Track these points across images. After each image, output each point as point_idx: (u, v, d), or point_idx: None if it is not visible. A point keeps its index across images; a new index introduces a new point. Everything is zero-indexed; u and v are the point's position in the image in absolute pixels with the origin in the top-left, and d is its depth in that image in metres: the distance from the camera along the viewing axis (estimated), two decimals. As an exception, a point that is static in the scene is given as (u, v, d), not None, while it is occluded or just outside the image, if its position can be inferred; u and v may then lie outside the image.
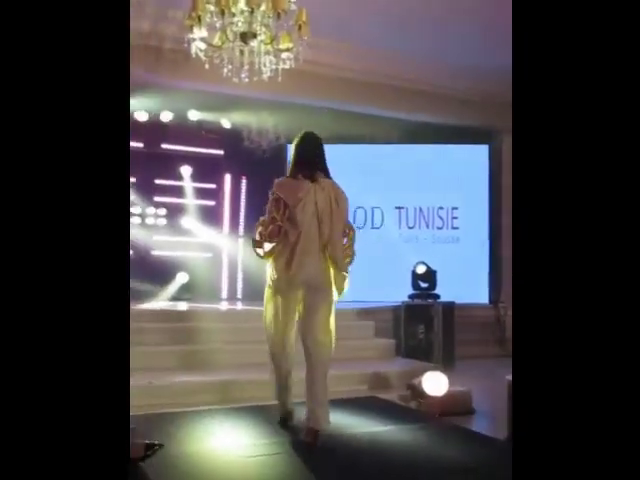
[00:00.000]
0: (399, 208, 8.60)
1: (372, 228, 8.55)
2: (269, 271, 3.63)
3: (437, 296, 6.95)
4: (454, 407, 4.45)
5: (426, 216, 8.58)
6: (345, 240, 3.68)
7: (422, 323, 6.75)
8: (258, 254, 3.65)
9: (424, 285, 7.11)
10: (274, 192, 3.57)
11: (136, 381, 4.55)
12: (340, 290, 3.63)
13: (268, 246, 3.57)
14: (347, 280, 3.66)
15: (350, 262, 3.71)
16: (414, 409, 4.51)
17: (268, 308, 3.66)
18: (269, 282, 3.63)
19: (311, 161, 3.63)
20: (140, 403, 4.26)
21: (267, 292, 3.67)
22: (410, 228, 8.59)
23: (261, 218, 3.65)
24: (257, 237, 3.63)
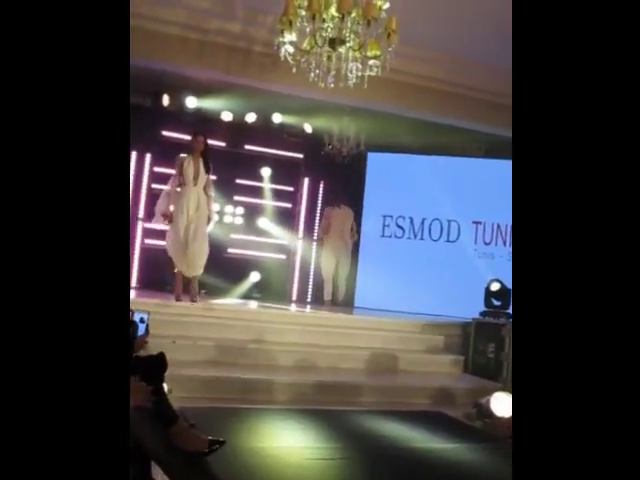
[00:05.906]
0: (476, 223, 8.45)
1: (447, 241, 8.44)
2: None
3: (510, 315, 6.76)
4: (520, 431, 4.32)
5: (504, 233, 8.38)
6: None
7: (493, 342, 6.57)
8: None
9: (497, 303, 6.93)
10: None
11: (204, 374, 4.65)
12: None
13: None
14: None
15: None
16: (479, 429, 4.39)
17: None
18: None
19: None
20: (208, 396, 4.35)
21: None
22: (486, 244, 8.41)
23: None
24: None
